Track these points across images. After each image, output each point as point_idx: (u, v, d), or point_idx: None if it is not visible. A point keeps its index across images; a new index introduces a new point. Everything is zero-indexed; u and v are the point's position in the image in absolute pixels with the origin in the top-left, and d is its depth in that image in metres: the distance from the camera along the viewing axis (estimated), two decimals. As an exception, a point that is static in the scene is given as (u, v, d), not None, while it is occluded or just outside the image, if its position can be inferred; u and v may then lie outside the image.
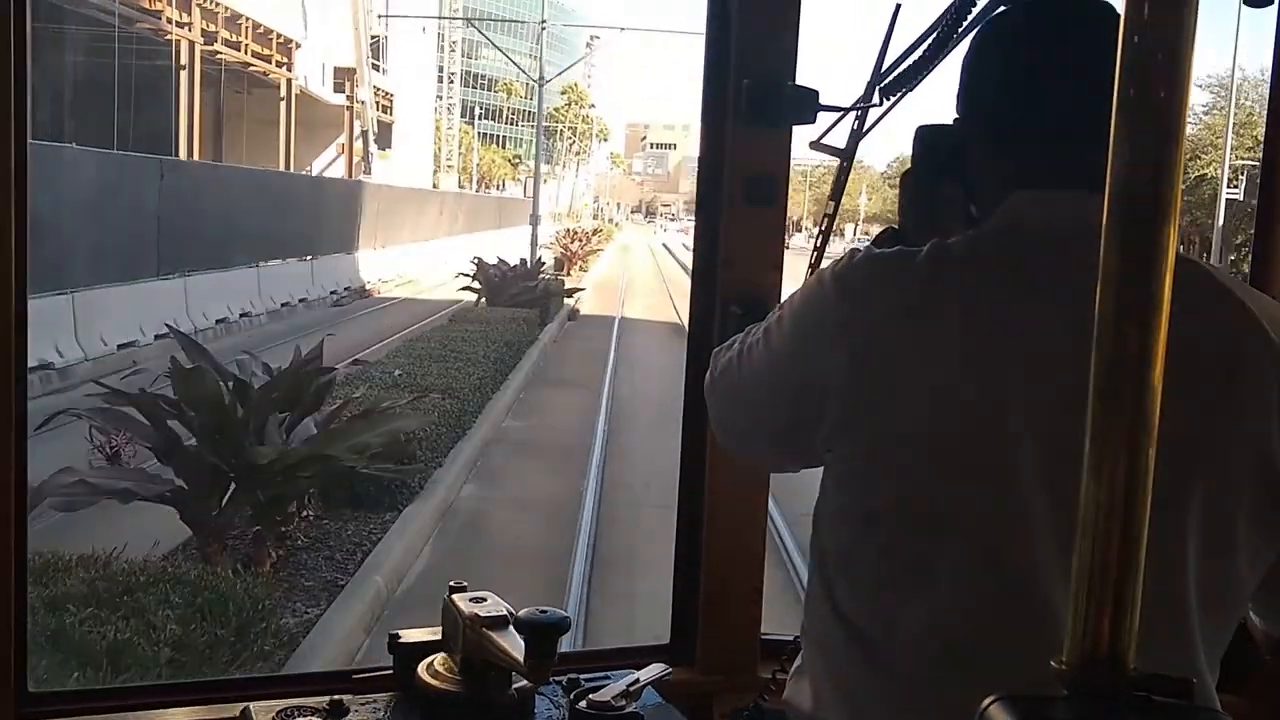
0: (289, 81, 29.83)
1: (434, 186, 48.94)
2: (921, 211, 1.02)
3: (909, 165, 1.05)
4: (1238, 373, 0.81)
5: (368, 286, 22.52)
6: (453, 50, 62.98)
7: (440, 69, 58.33)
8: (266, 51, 28.21)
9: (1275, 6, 1.10)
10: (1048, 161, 0.86)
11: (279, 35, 28.12)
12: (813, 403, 0.86)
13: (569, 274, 26.56)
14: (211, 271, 14.89)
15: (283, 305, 17.51)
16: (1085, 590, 0.42)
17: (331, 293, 20.18)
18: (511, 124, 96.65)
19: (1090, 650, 0.42)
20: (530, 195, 68.50)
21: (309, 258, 19.88)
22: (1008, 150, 0.90)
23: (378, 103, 41.44)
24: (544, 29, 27.67)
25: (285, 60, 29.66)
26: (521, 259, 19.29)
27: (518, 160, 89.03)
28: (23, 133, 1.10)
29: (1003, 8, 1.01)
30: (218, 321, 14.58)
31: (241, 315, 15.62)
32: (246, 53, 26.43)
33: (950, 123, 0.97)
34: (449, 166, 62.26)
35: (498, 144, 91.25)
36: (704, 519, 1.41)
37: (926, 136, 1.02)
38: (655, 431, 8.65)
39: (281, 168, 28.89)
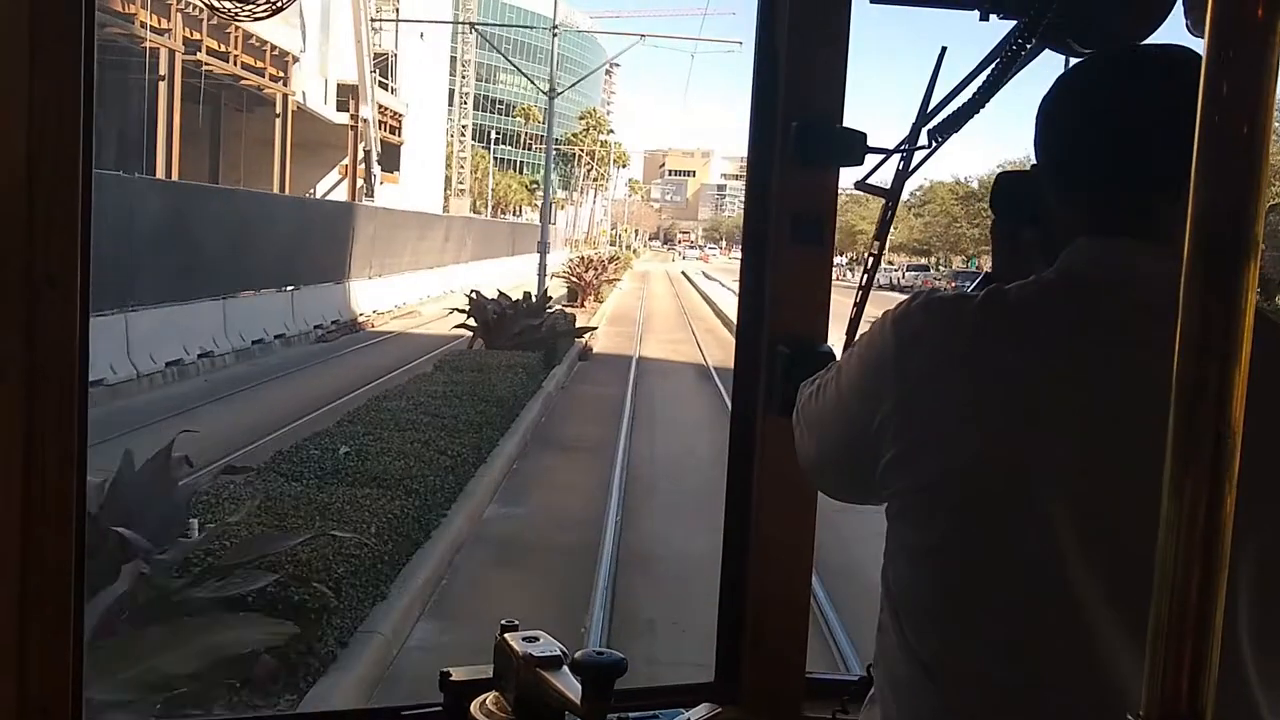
0: (285, 97, 29.04)
1: (444, 211, 49.63)
2: (1004, 258, 1.10)
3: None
4: None
5: (360, 319, 21.66)
6: (465, 73, 62.28)
7: (452, 91, 60.30)
8: (259, 64, 27.35)
9: None
10: (1112, 210, 0.92)
11: (273, 47, 27.30)
12: (869, 441, 0.93)
13: (582, 305, 26.45)
14: (166, 305, 13.54)
15: (254, 343, 16.48)
16: (1164, 644, 0.45)
17: (316, 327, 19.24)
18: (529, 149, 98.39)
19: (1170, 707, 0.44)
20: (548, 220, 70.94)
21: (290, 288, 18.83)
22: (1073, 198, 0.97)
23: (384, 123, 41.34)
24: (555, 35, 25.56)
25: (281, 74, 28.87)
26: (526, 293, 17.88)
27: (535, 186, 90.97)
28: (89, 159, 1.15)
29: (1078, 59, 1.14)
30: (169, 364, 13.18)
31: (201, 355, 14.60)
32: (236, 64, 25.55)
33: (1028, 169, 1.06)
34: (461, 190, 63.38)
35: (515, 169, 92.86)
36: (749, 557, 1.46)
37: (1005, 184, 1.12)
38: (684, 516, 7.25)
39: (277, 189, 27.71)
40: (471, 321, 15.28)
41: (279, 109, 28.19)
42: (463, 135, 64.21)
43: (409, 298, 25.69)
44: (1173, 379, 0.45)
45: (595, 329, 20.00)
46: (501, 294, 16.69)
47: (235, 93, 27.55)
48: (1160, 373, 0.50)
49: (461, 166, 64.74)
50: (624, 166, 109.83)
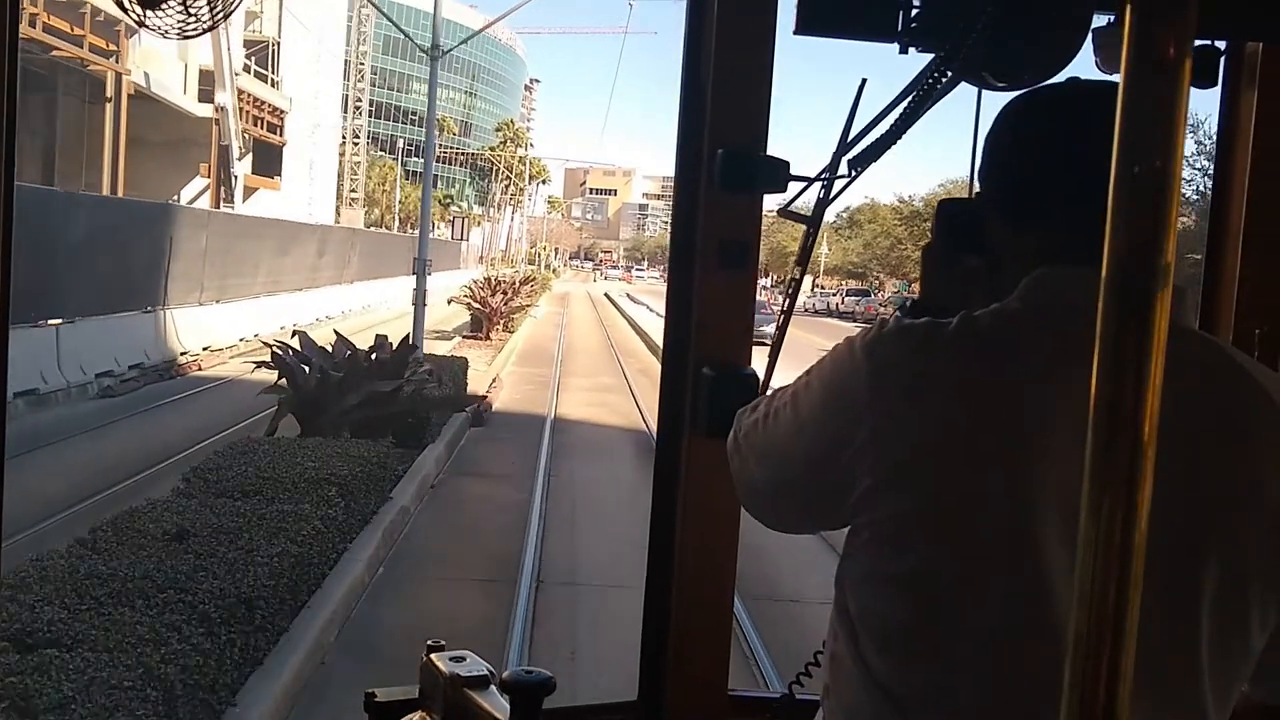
0: (118, 77, 27.52)
1: (337, 222, 51.52)
2: (942, 284, 1.27)
3: (929, 238, 1.31)
4: (1249, 439, 1.04)
5: (181, 360, 18.96)
6: (360, 63, 63.85)
7: (346, 96, 63.26)
8: (77, 31, 25.13)
9: (1219, 88, 1.69)
10: (1068, 238, 1.05)
11: (96, 10, 24.88)
12: (841, 471, 1.06)
13: (487, 337, 26.13)
14: None
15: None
16: (1082, 658, 0.53)
17: (104, 374, 16.10)
18: (446, 163, 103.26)
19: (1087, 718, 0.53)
20: (456, 237, 66.28)
21: (55, 321, 15.31)
22: (1029, 227, 1.12)
23: (261, 118, 40.24)
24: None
25: (114, 48, 26.90)
26: (379, 337, 13.30)
27: (449, 200, 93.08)
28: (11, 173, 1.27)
29: (1018, 92, 1.29)
30: None
31: None
32: (37, 26, 23.04)
33: (970, 197, 1.25)
34: (353, 199, 65.02)
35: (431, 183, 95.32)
36: (673, 576, 1.70)
37: (948, 210, 1.28)
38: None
39: (107, 191, 26.15)
40: (282, 384, 11.48)
41: (110, 91, 26.72)
42: (356, 139, 65.52)
43: (262, 328, 22.97)
44: (1090, 403, 0.54)
45: (485, 398, 16.21)
46: (340, 339, 12.71)
47: (76, 79, 26.19)
48: None
49: (355, 173, 65.88)
50: (545, 182, 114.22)
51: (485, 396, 16.36)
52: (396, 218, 71.48)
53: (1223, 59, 1.69)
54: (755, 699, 1.82)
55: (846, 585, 1.11)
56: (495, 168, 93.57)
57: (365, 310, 35.04)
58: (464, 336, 26.73)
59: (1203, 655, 1.01)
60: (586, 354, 27.74)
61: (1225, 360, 1.09)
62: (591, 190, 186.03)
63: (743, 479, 1.24)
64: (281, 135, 43.13)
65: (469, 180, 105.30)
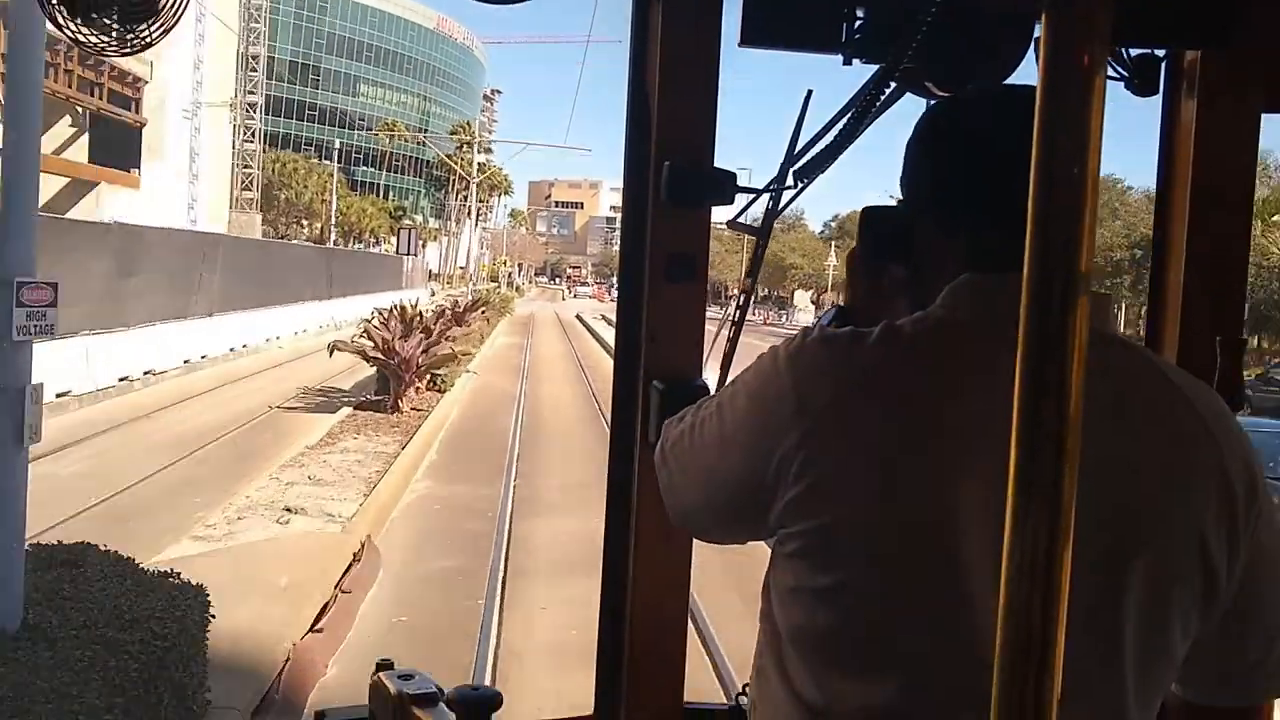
0: None
1: (229, 231, 42.09)
2: (867, 291, 1.27)
3: (855, 244, 1.31)
4: (1173, 445, 1.04)
5: None
6: (253, 68, 56.64)
7: (238, 88, 53.54)
8: None
9: (1159, 95, 1.73)
10: (993, 244, 1.06)
11: None
12: (766, 482, 1.05)
13: (395, 408, 16.03)
14: None
15: None
16: (1010, 669, 0.54)
17: None
18: (396, 171, 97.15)
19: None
20: (403, 251, 58.32)
21: None
22: (956, 232, 1.12)
23: (104, 88, 30.12)
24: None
25: None
26: None
27: (401, 213, 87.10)
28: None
29: (940, 98, 1.46)
30: None
31: None
32: None
33: (895, 205, 1.25)
34: (248, 202, 54.25)
35: (377, 194, 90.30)
36: (627, 588, 1.72)
37: (873, 218, 1.27)
38: None
39: None
40: None
41: None
42: (250, 119, 56.80)
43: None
44: (1013, 413, 0.54)
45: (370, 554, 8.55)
46: None
47: None
48: None
49: (248, 165, 55.30)
50: (507, 194, 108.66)
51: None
52: (330, 231, 65.04)
53: (1162, 66, 1.73)
54: (710, 711, 1.84)
55: (772, 597, 1.11)
56: (451, 176, 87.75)
57: (231, 356, 23.43)
58: (359, 405, 16.56)
59: (1127, 662, 1.02)
60: (564, 437, 15.64)
61: (1147, 365, 1.10)
62: (557, 203, 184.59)
63: (670, 490, 1.24)
64: (138, 113, 33.37)
65: (424, 191, 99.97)
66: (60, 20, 1.28)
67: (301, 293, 30.71)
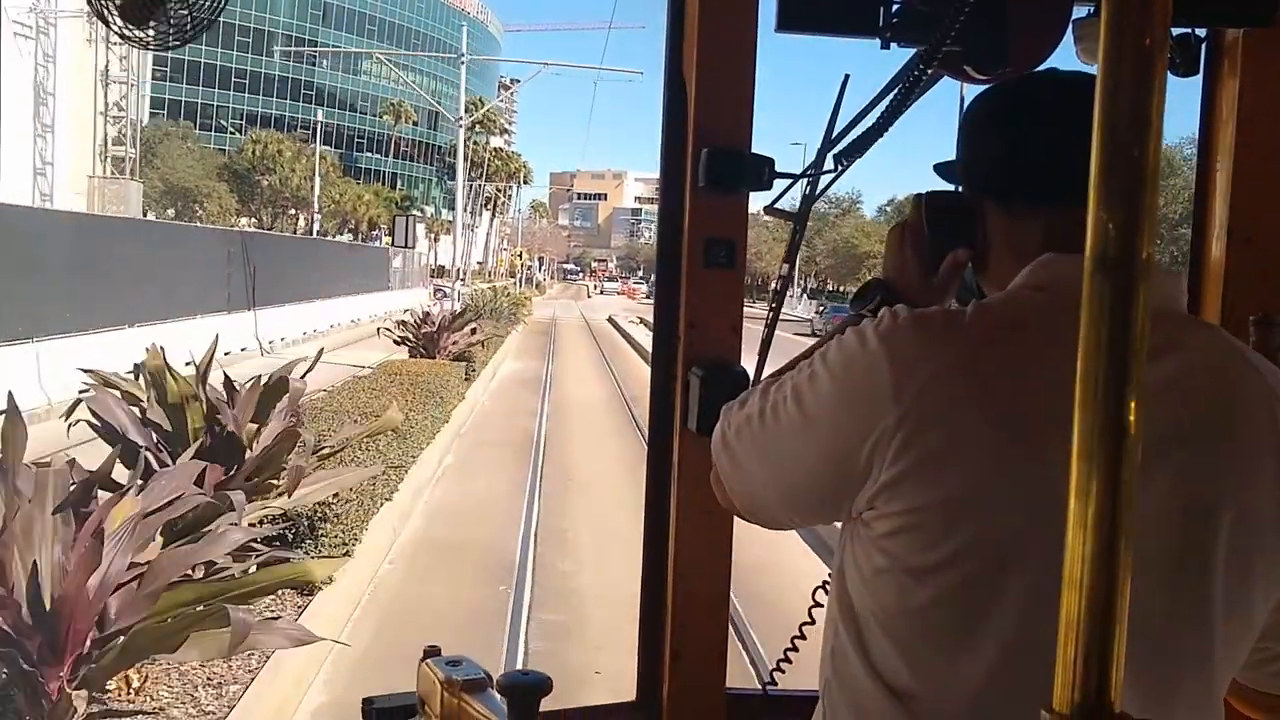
0: None
1: (95, 208, 31.78)
2: (920, 270, 1.30)
3: (900, 221, 1.35)
4: (1251, 424, 1.05)
5: None
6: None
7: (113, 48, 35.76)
8: None
9: (1200, 76, 1.75)
10: (1069, 226, 1.03)
11: None
12: (858, 463, 1.05)
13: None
14: None
15: None
16: (1075, 640, 0.55)
17: None
18: (401, 157, 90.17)
19: (1081, 700, 0.54)
20: (400, 243, 37.44)
21: None
22: (1026, 216, 1.14)
23: None
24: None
25: None
26: None
27: (408, 203, 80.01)
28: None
29: (974, 87, 1.42)
30: None
31: None
32: None
33: (957, 190, 1.28)
34: (121, 165, 36.85)
35: (383, 181, 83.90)
36: (668, 574, 1.72)
37: (937, 202, 1.30)
38: None
39: None
40: None
41: None
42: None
43: None
44: (1076, 386, 0.56)
45: None
46: None
47: None
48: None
49: (118, 120, 37.07)
50: (526, 183, 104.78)
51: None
52: (314, 221, 58.03)
53: (1203, 47, 1.72)
54: (753, 696, 1.84)
55: (849, 579, 1.11)
56: (465, 160, 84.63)
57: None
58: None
59: (1215, 622, 1.03)
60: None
61: (1217, 339, 1.12)
62: (579, 195, 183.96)
63: (734, 477, 1.22)
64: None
65: (436, 179, 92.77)
66: (107, 17, 1.30)
67: (172, 304, 19.35)
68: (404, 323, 19.35)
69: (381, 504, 8.19)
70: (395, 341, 18.71)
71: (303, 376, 7.30)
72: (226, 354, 18.38)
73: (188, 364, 7.09)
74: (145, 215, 38.50)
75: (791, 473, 1.15)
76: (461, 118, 35.02)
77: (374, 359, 17.81)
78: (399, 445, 9.67)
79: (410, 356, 17.51)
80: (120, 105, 36.94)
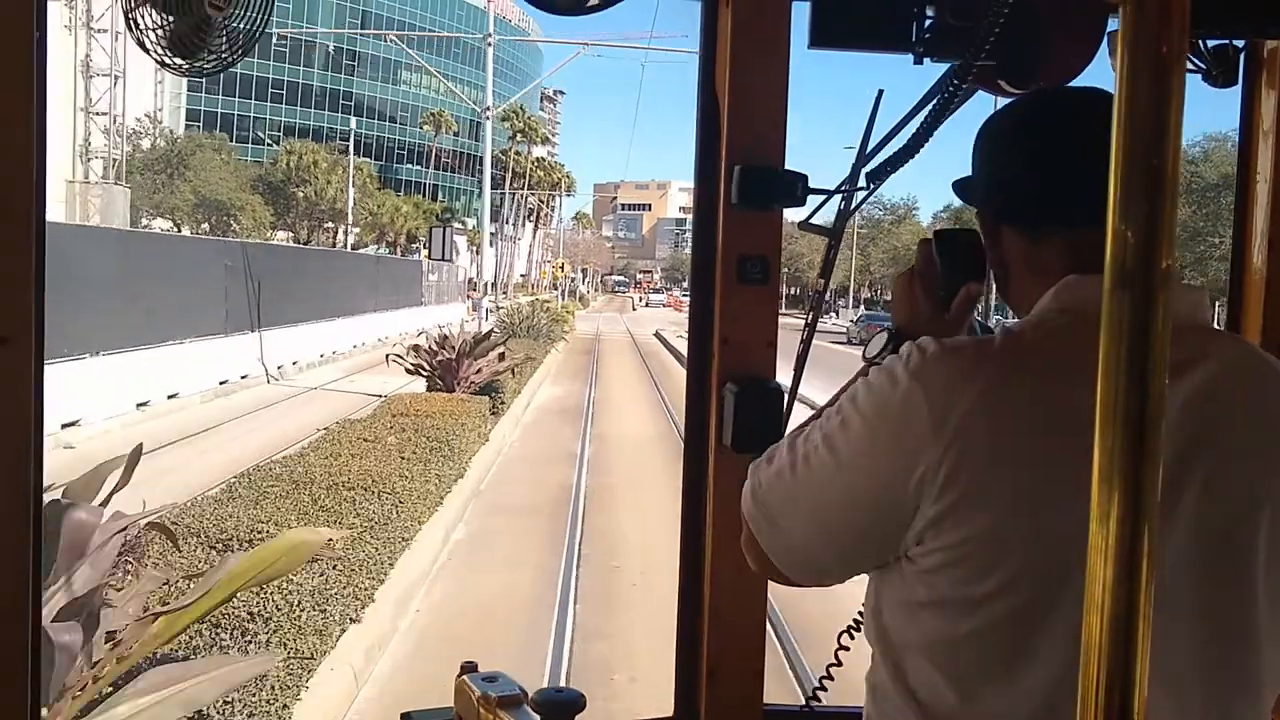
0: None
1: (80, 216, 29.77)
2: (932, 311, 1.31)
3: (907, 269, 1.34)
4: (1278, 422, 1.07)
5: None
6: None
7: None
8: None
9: (1239, 86, 1.73)
10: (1092, 247, 0.98)
11: None
12: (903, 505, 1.04)
13: None
14: None
15: None
16: (1096, 662, 0.54)
17: None
18: (442, 169, 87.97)
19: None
20: (436, 255, 31.68)
21: None
22: (1049, 236, 1.13)
23: None
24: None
25: None
26: None
27: (449, 215, 78.05)
28: (42, 210, 1.28)
29: (1007, 100, 1.29)
30: None
31: None
32: None
33: (959, 228, 1.33)
34: (102, 171, 33.23)
35: (423, 194, 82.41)
36: (705, 595, 1.73)
37: (947, 241, 1.32)
38: None
39: None
40: None
41: None
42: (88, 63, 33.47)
43: None
44: (1096, 406, 0.55)
45: None
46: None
47: None
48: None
49: (101, 116, 32.88)
50: (570, 194, 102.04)
51: None
52: (348, 233, 56.67)
53: (1241, 58, 1.71)
54: (790, 712, 1.84)
55: (889, 613, 1.10)
56: (506, 175, 78.46)
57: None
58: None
59: (1260, 625, 1.03)
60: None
61: (1245, 351, 1.13)
62: (623, 206, 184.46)
63: (770, 534, 1.17)
64: None
65: (477, 192, 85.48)
66: (148, 45, 1.33)
67: (155, 326, 16.52)
68: (418, 347, 16.42)
69: (337, 631, 5.58)
70: (408, 370, 16.06)
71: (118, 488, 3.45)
72: (223, 384, 17.24)
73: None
74: (145, 226, 36.66)
75: (833, 521, 1.12)
76: (489, 107, 33.55)
77: (394, 385, 16.04)
78: (385, 526, 7.32)
79: (428, 389, 15.17)
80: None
